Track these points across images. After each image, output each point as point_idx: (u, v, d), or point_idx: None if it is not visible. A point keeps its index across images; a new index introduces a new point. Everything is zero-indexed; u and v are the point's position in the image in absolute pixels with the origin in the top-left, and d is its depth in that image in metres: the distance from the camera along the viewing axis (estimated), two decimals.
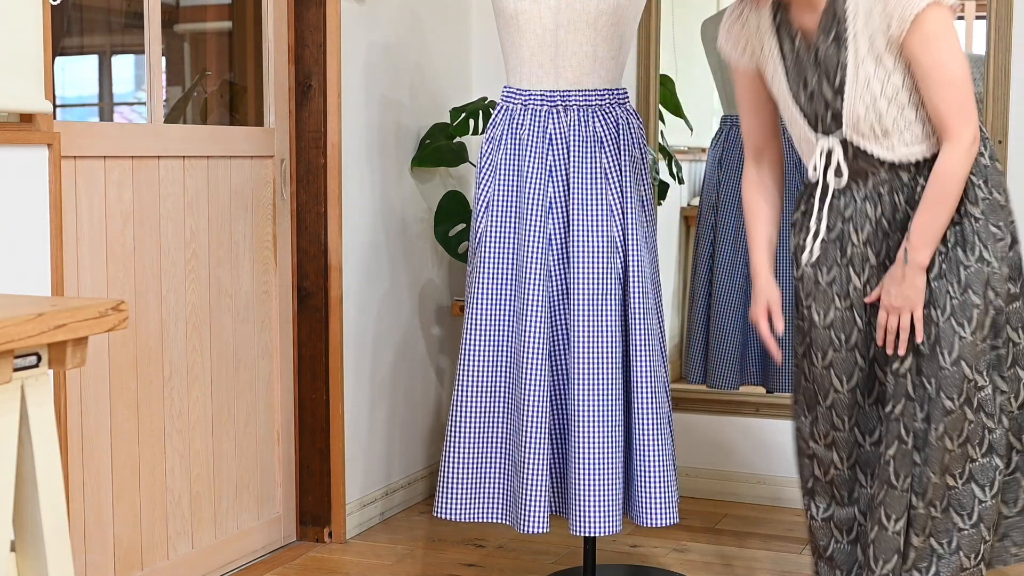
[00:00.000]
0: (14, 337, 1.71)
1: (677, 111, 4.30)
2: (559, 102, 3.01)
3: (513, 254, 3.01)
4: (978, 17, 3.93)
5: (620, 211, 2.99)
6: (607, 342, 2.95)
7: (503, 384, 3.02)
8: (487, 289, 3.01)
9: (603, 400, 2.93)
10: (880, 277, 2.49)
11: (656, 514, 2.96)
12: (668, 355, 3.12)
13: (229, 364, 3.43)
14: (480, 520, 3.04)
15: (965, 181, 2.39)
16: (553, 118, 3.01)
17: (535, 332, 2.94)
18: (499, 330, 3.02)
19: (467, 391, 3.01)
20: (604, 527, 2.93)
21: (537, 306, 2.95)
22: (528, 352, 2.94)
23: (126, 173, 3.07)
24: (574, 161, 2.99)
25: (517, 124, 3.03)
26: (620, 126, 3.02)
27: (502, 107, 3.07)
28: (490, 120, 3.10)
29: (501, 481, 3.04)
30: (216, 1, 3.85)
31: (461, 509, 3.03)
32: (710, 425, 4.18)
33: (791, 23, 2.49)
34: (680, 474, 4.11)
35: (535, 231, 2.97)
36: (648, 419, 2.95)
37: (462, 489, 3.03)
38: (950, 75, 2.35)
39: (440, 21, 4.22)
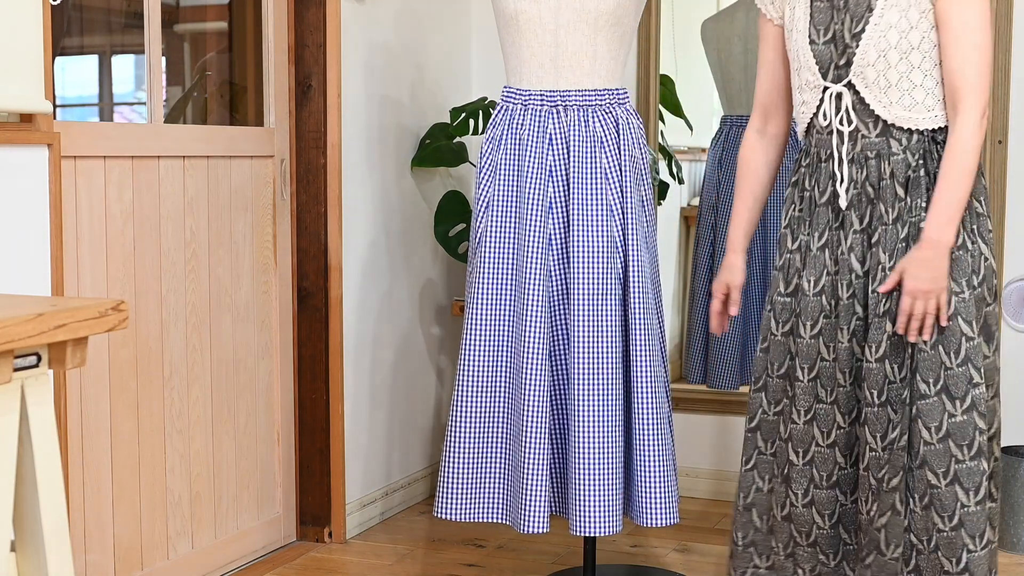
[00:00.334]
0: (14, 337, 1.71)
1: (677, 111, 4.30)
2: (559, 102, 3.01)
3: (513, 254, 3.01)
4: None
5: (620, 211, 2.99)
6: (607, 342, 2.95)
7: (503, 384, 3.02)
8: (487, 289, 3.01)
9: (603, 400, 2.93)
10: (864, 244, 2.48)
11: (656, 514, 2.96)
12: (668, 355, 3.12)
13: (229, 364, 3.43)
14: (480, 520, 3.04)
15: (979, 153, 2.39)
16: (553, 118, 3.01)
17: (535, 332, 2.94)
18: (499, 330, 3.02)
19: (467, 391, 3.01)
20: (604, 527, 2.93)
21: (537, 306, 2.95)
22: (528, 352, 2.94)
23: (126, 173, 3.07)
24: (574, 161, 2.99)
25: (517, 124, 3.03)
26: (620, 126, 3.02)
27: (502, 107, 3.07)
28: (490, 120, 3.11)
29: (501, 481, 3.04)
30: (216, 1, 3.85)
31: (461, 509, 3.03)
32: (710, 425, 4.18)
33: None
34: (680, 474, 4.11)
35: (535, 231, 2.97)
36: (648, 419, 2.95)
37: (462, 489, 3.03)
38: (977, 40, 2.37)
39: (440, 21, 4.22)
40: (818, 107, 2.51)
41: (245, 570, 3.49)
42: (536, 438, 2.93)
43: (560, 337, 3.01)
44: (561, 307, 3.00)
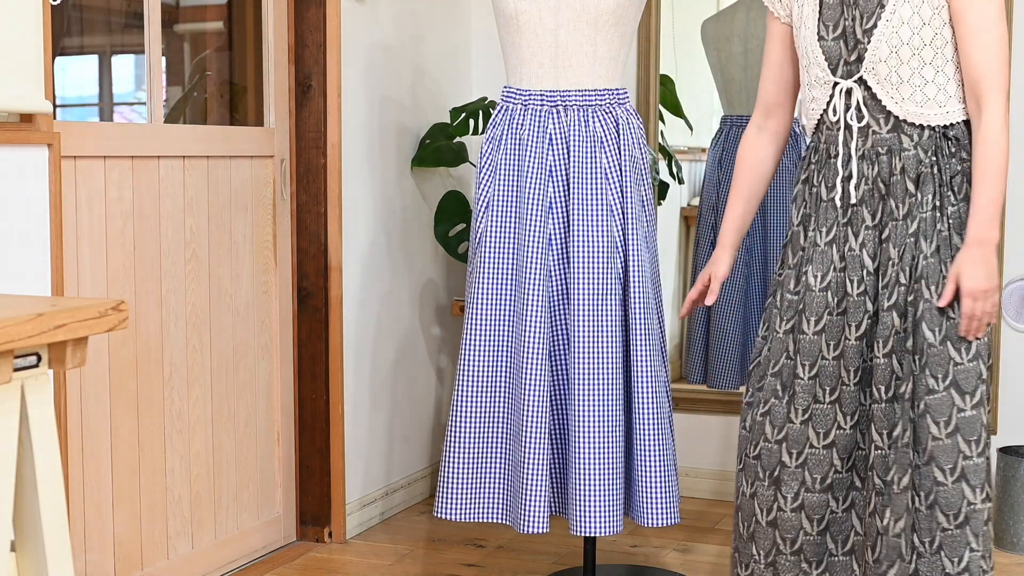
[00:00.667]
0: (14, 337, 1.71)
1: (677, 111, 4.30)
2: (559, 102, 3.01)
3: (513, 254, 3.01)
4: None
5: (620, 211, 2.99)
6: (607, 342, 2.95)
7: (503, 384, 3.02)
8: (487, 289, 3.01)
9: (603, 400, 2.93)
10: (875, 240, 2.48)
11: (656, 514, 2.96)
12: (668, 355, 3.12)
13: (229, 364, 3.43)
14: (480, 520, 3.04)
15: (1009, 145, 2.40)
16: (553, 118, 3.01)
17: (535, 332, 2.94)
18: (499, 330, 3.02)
19: (467, 391, 3.01)
20: (604, 527, 2.93)
21: (537, 306, 2.95)
22: (528, 352, 2.94)
23: (126, 173, 3.07)
24: (574, 161, 2.99)
25: (517, 124, 3.03)
26: (620, 126, 3.02)
27: (502, 107, 3.07)
28: (490, 120, 3.11)
29: (501, 481, 3.04)
30: (216, 1, 3.85)
31: (461, 509, 3.03)
32: (710, 425, 4.18)
33: None
34: (680, 474, 4.11)
35: (535, 231, 2.97)
36: (648, 419, 2.95)
37: (462, 489, 3.03)
38: (996, 34, 2.39)
39: (440, 21, 4.22)
40: (828, 103, 2.51)
41: (245, 570, 3.49)
42: (536, 438, 2.93)
43: (560, 337, 3.01)
44: (561, 307, 3.00)
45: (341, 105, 3.64)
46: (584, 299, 2.95)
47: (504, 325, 3.02)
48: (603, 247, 2.95)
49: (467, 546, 3.70)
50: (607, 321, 2.95)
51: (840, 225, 2.50)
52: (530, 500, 2.93)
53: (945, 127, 2.45)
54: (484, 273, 3.02)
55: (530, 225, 2.97)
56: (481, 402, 3.02)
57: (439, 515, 3.03)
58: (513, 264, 3.01)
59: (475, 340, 3.01)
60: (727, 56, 4.27)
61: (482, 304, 3.01)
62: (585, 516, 2.93)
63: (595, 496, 2.92)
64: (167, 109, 3.62)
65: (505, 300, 3.02)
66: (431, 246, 4.18)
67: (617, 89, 3.04)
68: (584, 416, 2.93)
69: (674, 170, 4.35)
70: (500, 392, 3.02)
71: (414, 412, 4.14)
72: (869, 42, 2.44)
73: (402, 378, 4.05)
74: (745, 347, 4.25)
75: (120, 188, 3.05)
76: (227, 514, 3.45)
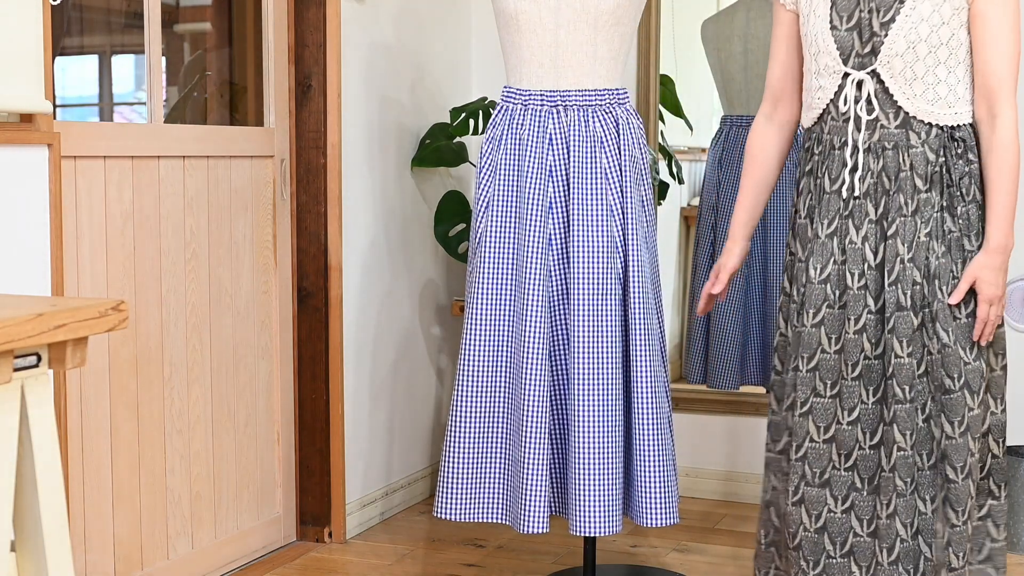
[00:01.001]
0: (14, 337, 1.71)
1: (677, 111, 4.30)
2: (559, 102, 3.01)
3: (513, 254, 3.01)
4: None
5: (620, 211, 2.99)
6: (607, 342, 2.95)
7: (503, 384, 3.02)
8: (487, 289, 3.01)
9: (603, 400, 2.93)
10: (878, 234, 2.48)
11: (656, 514, 2.96)
12: (668, 355, 3.12)
13: (229, 364, 3.43)
14: (480, 520, 3.04)
15: (1020, 153, 2.41)
16: (553, 118, 3.01)
17: (535, 332, 2.94)
18: (499, 330, 3.02)
19: (467, 391, 3.01)
20: (604, 527, 2.93)
21: (537, 306, 2.95)
22: (528, 352, 2.94)
23: (126, 173, 3.07)
24: (574, 161, 2.99)
25: (517, 124, 3.03)
26: (620, 126, 3.02)
27: (502, 107, 3.07)
28: (490, 120, 3.11)
29: (501, 481, 3.04)
30: (216, 1, 3.85)
31: (461, 509, 3.03)
32: (710, 425, 4.18)
33: None
34: (680, 474, 4.11)
35: (535, 231, 2.97)
36: (648, 419, 2.95)
37: (462, 489, 3.03)
38: (1014, 39, 2.40)
39: (440, 21, 4.22)
40: (837, 93, 2.50)
41: (245, 570, 3.49)
42: (536, 438, 2.93)
43: (560, 337, 3.01)
44: (561, 307, 3.00)
45: (341, 105, 3.64)
46: (584, 299, 2.95)
47: (504, 325, 3.02)
48: (603, 247, 2.95)
49: (467, 546, 3.70)
50: (607, 321, 2.95)
51: (842, 217, 2.50)
52: (530, 500, 2.93)
53: (952, 128, 2.46)
54: (484, 273, 3.02)
55: (530, 225, 2.97)
56: (481, 402, 3.02)
57: (439, 515, 3.03)
58: (513, 264, 3.01)
59: (475, 340, 3.01)
60: (727, 56, 4.27)
61: (482, 304, 3.01)
62: (585, 516, 2.93)
63: (595, 496, 2.92)
64: (167, 109, 3.62)
65: (505, 300, 3.02)
66: (431, 246, 4.18)
67: (617, 89, 3.04)
68: (584, 416, 2.93)
69: (674, 170, 4.35)
70: (500, 392, 3.02)
71: (414, 412, 4.14)
72: (886, 35, 2.43)
73: (402, 378, 4.05)
74: (745, 347, 4.25)
75: (120, 188, 3.05)
76: (227, 514, 3.45)
